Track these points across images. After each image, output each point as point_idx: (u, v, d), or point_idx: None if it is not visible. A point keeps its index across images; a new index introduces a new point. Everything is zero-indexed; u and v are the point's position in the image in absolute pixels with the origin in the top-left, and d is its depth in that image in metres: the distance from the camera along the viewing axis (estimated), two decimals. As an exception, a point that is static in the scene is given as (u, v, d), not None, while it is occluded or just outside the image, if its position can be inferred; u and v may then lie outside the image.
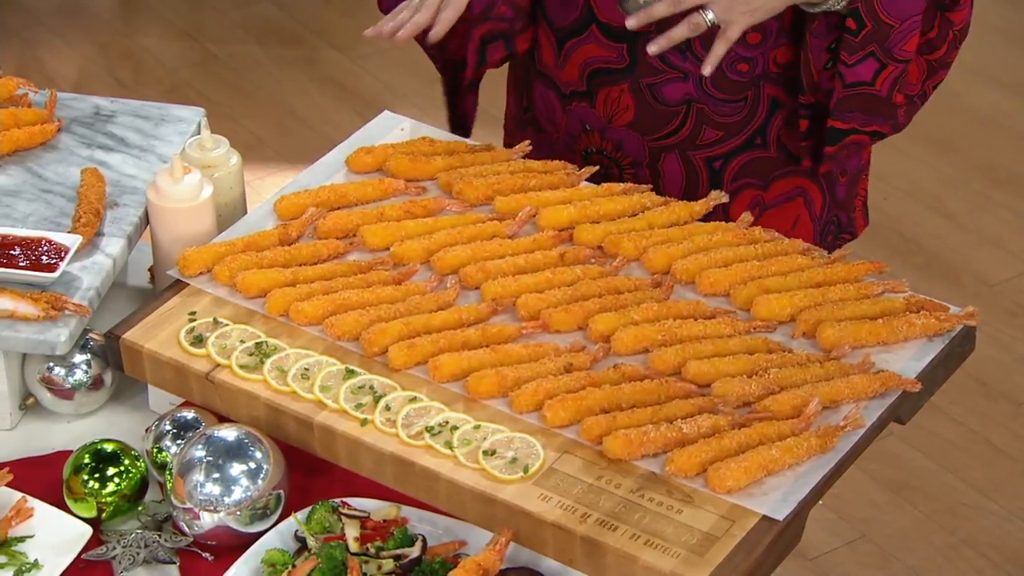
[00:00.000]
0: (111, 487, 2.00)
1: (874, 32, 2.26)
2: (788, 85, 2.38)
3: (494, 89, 2.77)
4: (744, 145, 2.39)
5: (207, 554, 1.97)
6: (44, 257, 2.15)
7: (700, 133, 2.40)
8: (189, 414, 2.06)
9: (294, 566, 1.90)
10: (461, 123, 2.58)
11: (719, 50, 2.21)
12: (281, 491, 1.97)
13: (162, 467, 2.03)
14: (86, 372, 2.15)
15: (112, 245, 2.22)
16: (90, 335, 2.16)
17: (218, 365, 2.05)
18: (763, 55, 2.35)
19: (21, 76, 2.49)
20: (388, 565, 1.90)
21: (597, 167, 2.37)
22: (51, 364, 2.14)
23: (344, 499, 1.98)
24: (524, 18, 2.47)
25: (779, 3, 2.22)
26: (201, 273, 2.17)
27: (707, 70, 2.22)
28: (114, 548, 1.97)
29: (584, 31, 2.40)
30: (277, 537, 1.95)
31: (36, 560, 1.95)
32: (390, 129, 2.44)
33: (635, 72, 2.40)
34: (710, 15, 2.19)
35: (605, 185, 2.32)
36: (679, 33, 2.20)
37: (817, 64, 2.30)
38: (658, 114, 2.40)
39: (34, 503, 1.99)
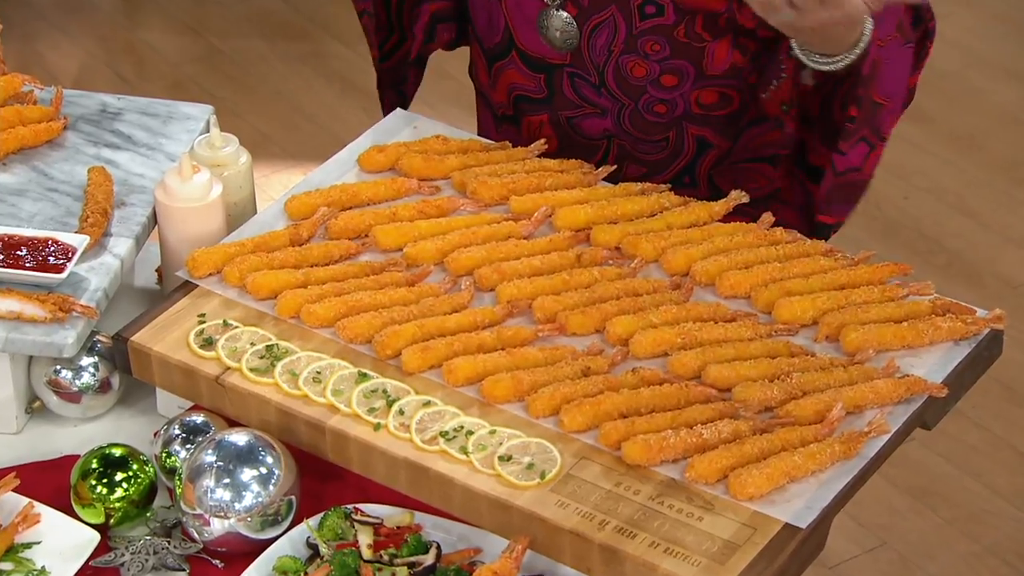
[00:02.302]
0: (119, 492, 2.01)
1: (870, 115, 2.25)
2: (717, 126, 2.38)
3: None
4: (671, 183, 2.39)
5: (217, 561, 1.98)
6: (51, 258, 2.16)
7: (623, 168, 2.41)
8: (198, 418, 2.07)
9: (306, 573, 1.91)
10: (397, 97, 2.55)
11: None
12: (293, 497, 1.98)
13: (171, 472, 2.04)
14: (93, 375, 2.16)
15: (120, 245, 2.23)
16: (97, 337, 2.17)
17: (228, 368, 2.06)
18: (682, 97, 2.35)
19: (21, 71, 2.50)
20: (402, 573, 1.91)
21: (615, 166, 2.38)
22: (58, 367, 2.15)
23: (357, 505, 1.99)
24: None
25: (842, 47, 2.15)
26: (210, 274, 2.18)
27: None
28: (122, 555, 1.98)
29: (507, 56, 2.42)
30: (289, 544, 1.96)
31: (43, 567, 1.95)
32: (402, 127, 2.45)
33: (553, 104, 2.42)
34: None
35: (623, 185, 2.33)
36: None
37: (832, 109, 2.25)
38: (579, 147, 2.41)
39: (41, 508, 2.00)
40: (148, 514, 2.03)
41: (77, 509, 2.02)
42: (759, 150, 2.41)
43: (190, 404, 2.12)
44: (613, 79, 2.35)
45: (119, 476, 2.01)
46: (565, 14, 2.29)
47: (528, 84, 2.42)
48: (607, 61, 2.33)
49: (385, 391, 2.02)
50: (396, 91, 2.56)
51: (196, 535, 1.97)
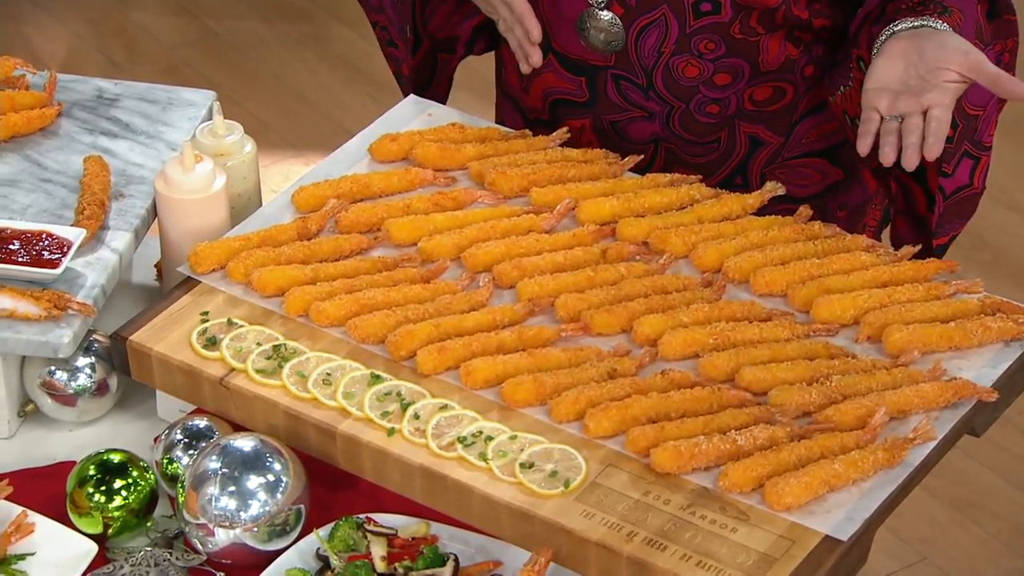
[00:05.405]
0: (118, 501, 2.02)
1: (965, 129, 2.27)
2: (770, 122, 2.40)
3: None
4: (723, 184, 2.40)
5: (221, 573, 1.99)
6: (45, 252, 2.18)
7: (671, 172, 2.43)
8: (201, 422, 2.08)
9: (316, 587, 1.93)
10: (427, 90, 2.58)
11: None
12: (301, 506, 1.99)
13: (173, 480, 2.05)
14: (90, 376, 2.17)
15: (118, 239, 2.25)
16: (94, 337, 2.18)
17: (233, 370, 2.07)
18: (736, 95, 2.37)
19: (5, 55, 2.51)
20: (418, 586, 1.93)
21: (642, 155, 2.39)
22: (53, 368, 2.16)
23: (369, 515, 2.00)
24: None
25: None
26: (214, 270, 2.19)
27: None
28: (121, 567, 1.99)
29: (543, 58, 2.43)
30: (297, 556, 1.97)
31: (38, 579, 1.97)
32: (416, 114, 2.46)
33: (596, 108, 2.43)
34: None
35: (650, 176, 2.34)
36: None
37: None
38: (625, 151, 2.42)
39: (35, 518, 2.02)
40: (148, 524, 2.05)
41: (73, 518, 2.03)
42: (813, 144, 2.42)
43: (192, 407, 2.13)
44: (662, 81, 2.36)
45: (118, 483, 2.03)
46: (610, 14, 2.31)
47: (567, 87, 2.43)
48: (656, 63, 2.34)
49: (399, 394, 2.04)
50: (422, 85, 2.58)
51: (199, 546, 1.99)
